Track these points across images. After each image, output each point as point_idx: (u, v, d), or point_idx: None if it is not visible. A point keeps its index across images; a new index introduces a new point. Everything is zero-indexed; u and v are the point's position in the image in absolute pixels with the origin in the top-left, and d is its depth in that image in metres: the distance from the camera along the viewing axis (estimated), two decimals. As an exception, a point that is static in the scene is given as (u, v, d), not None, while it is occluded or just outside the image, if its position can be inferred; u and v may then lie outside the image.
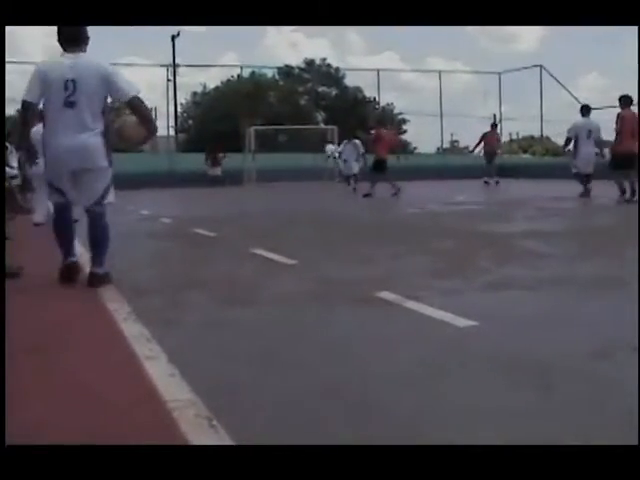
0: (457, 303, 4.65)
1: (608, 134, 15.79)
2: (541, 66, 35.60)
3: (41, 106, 5.92)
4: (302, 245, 8.47)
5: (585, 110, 15.98)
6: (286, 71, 53.02)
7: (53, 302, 5.29)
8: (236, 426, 2.57)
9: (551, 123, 40.21)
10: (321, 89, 54.25)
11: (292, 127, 38.79)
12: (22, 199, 12.55)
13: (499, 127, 28.16)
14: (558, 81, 35.32)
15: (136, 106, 5.84)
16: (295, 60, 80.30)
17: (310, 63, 54.43)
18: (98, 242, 5.91)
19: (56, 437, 2.54)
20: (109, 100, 5.90)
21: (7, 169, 11.29)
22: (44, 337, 4.11)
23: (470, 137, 76.53)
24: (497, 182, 23.88)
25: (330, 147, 30.86)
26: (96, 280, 5.71)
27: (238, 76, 47.17)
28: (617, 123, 14.28)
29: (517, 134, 52.12)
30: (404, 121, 54.13)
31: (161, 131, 43.99)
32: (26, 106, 5.81)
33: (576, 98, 34.00)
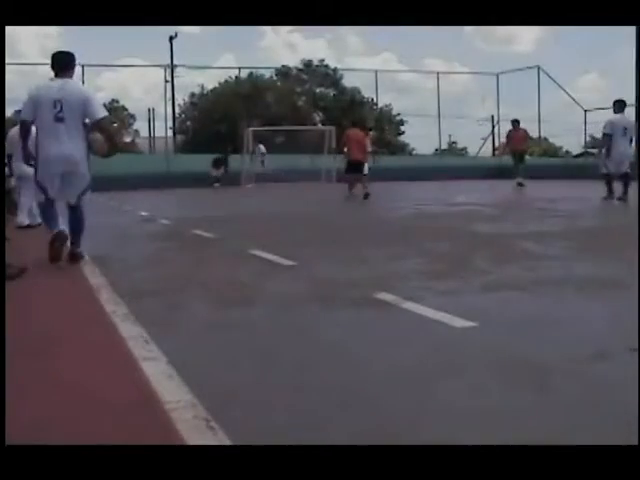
0: (455, 304, 4.65)
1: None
2: (538, 67, 35.62)
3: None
4: (300, 246, 8.47)
5: (619, 106, 14.94)
6: (284, 72, 52.98)
7: (52, 304, 5.29)
8: (234, 427, 2.56)
9: (549, 124, 40.29)
10: (319, 90, 54.19)
11: (290, 128, 38.77)
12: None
13: (497, 128, 26.84)
14: (556, 82, 35.34)
15: (103, 126, 7.30)
16: (293, 61, 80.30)
17: (308, 64, 54.38)
18: (77, 229, 7.35)
19: (53, 438, 2.53)
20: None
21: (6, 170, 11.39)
22: (42, 338, 4.11)
23: (468, 138, 76.65)
24: (519, 183, 21.75)
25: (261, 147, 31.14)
26: (75, 258, 7.21)
27: (236, 77, 47.13)
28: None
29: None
30: (402, 122, 54.13)
31: (159, 132, 44.12)
32: (24, 124, 7.26)
33: (574, 99, 34.08)
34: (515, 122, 23.61)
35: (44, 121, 7.03)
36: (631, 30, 24.57)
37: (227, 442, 2.44)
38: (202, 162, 29.29)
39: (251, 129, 32.69)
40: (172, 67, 41.94)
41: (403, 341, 3.84)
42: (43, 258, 7.37)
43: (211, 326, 4.33)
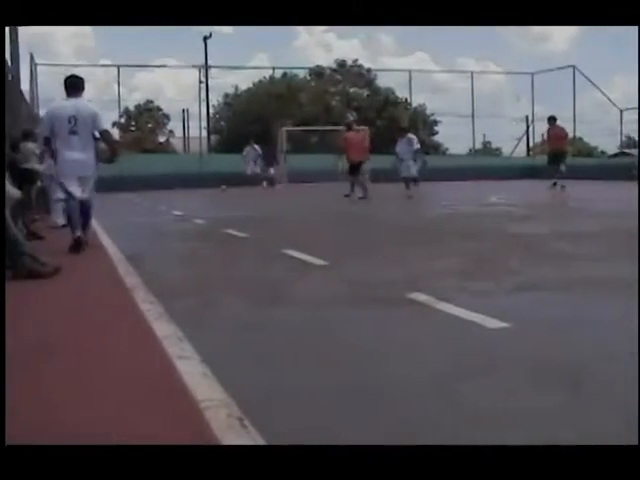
0: (488, 304, 4.63)
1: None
2: (574, 66, 35.35)
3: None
4: (333, 246, 8.48)
5: None
6: (318, 72, 52.99)
7: (86, 303, 5.34)
8: (268, 426, 2.57)
9: (584, 124, 39.81)
10: (352, 90, 54.13)
11: (323, 128, 38.77)
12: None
13: (531, 128, 25.20)
14: (591, 82, 35.05)
15: (105, 136, 8.93)
16: (326, 61, 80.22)
17: (342, 64, 54.33)
18: (87, 219, 8.86)
19: (87, 437, 2.56)
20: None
21: (36, 166, 11.53)
22: (75, 337, 4.15)
23: (502, 138, 76.14)
24: (554, 184, 20.24)
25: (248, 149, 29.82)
26: (83, 242, 8.49)
27: (270, 77, 47.24)
28: None
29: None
30: (436, 122, 53.95)
31: (193, 132, 44.36)
32: (45, 139, 9.00)
33: (609, 98, 33.80)
34: (551, 119, 21.71)
35: (61, 134, 8.53)
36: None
37: (260, 441, 2.45)
38: (236, 162, 29.34)
39: (284, 129, 32.78)
40: (206, 68, 42.13)
41: (436, 341, 3.84)
42: (77, 258, 7.45)
43: (244, 325, 4.35)
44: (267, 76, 49.19)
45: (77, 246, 8.22)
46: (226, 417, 2.68)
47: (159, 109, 60.18)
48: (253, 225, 11.62)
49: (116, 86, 36.74)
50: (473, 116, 37.64)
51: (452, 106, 75.72)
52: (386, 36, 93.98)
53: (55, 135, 8.59)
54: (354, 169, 18.20)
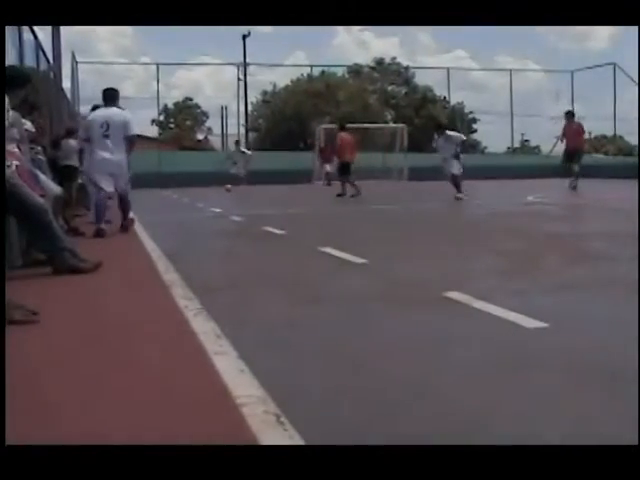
0: (527, 304, 4.60)
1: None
2: (615, 64, 34.97)
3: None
4: (372, 244, 8.48)
5: None
6: (356, 70, 53.00)
7: (125, 299, 5.39)
8: (305, 423, 2.58)
9: (624, 122, 39.37)
10: (390, 88, 54.08)
11: (361, 126, 38.78)
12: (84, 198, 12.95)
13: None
14: (632, 79, 34.62)
15: (131, 139, 10.48)
16: (364, 59, 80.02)
17: (380, 62, 54.30)
18: (126, 210, 10.69)
19: (120, 434, 2.59)
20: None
21: (75, 164, 11.80)
22: (115, 333, 4.19)
23: (541, 137, 75.38)
24: (574, 187, 19.54)
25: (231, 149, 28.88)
26: (124, 228, 10.53)
27: (308, 75, 47.31)
28: None
29: (589, 133, 51.21)
30: (474, 120, 53.70)
31: (231, 130, 44.61)
32: (82, 141, 11.13)
33: (651, 97, 33.32)
34: (569, 114, 20.67)
35: (95, 137, 10.30)
36: None
37: (297, 437, 2.46)
38: (274, 159, 29.41)
39: (322, 126, 32.80)
40: (245, 65, 42.28)
41: (473, 341, 3.82)
42: (118, 254, 7.52)
43: (282, 322, 4.37)
44: (305, 74, 49.30)
45: (98, 234, 9.87)
46: (263, 413, 2.70)
47: (198, 107, 60.65)
48: (291, 222, 11.64)
49: (155, 84, 37.16)
50: (512, 114, 37.51)
51: (490, 104, 75.59)
52: (424, 34, 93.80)
53: (90, 138, 10.45)
54: (345, 169, 18.47)
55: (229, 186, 23.67)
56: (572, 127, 20.04)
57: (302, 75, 50.58)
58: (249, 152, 28.40)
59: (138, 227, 10.86)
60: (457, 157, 17.25)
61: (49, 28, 20.74)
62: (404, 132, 32.54)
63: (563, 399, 2.86)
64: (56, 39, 20.64)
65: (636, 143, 49.55)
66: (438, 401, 2.88)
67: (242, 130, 39.77)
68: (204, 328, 4.12)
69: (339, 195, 18.48)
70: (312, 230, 10.67)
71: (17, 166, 6.30)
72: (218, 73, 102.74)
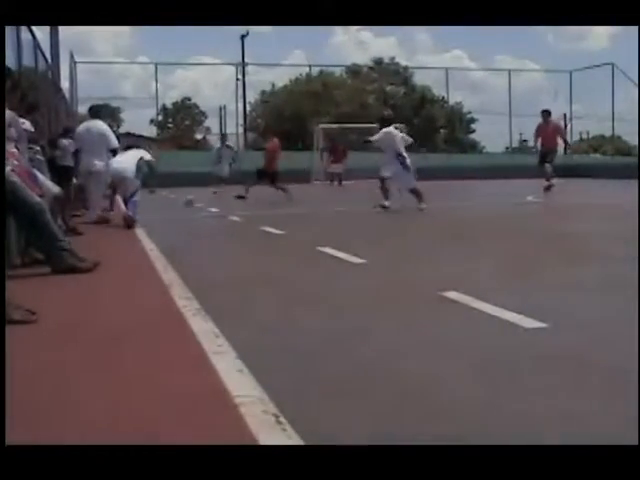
0: (525, 304, 4.60)
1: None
2: (613, 64, 34.97)
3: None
4: (370, 244, 8.48)
5: None
6: (354, 70, 52.99)
7: (124, 298, 5.39)
8: (303, 423, 2.58)
9: (622, 122, 39.34)
10: (389, 88, 54.06)
11: (360, 126, 38.71)
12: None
13: (569, 126, 23.47)
14: (631, 79, 34.62)
15: (114, 151, 12.17)
16: (362, 59, 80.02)
17: (378, 62, 54.30)
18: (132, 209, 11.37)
19: (117, 433, 2.59)
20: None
21: (70, 164, 12.01)
22: (113, 332, 4.18)
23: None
24: (548, 188, 18.01)
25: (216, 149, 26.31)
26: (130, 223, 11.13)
27: (306, 75, 47.30)
28: None
29: (587, 133, 51.28)
30: (473, 120, 53.67)
31: (230, 129, 44.61)
32: (76, 151, 12.42)
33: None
34: (545, 113, 19.15)
35: (82, 145, 12.09)
36: None
37: (296, 437, 2.46)
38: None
39: (321, 126, 32.81)
40: (243, 65, 42.31)
41: (472, 341, 3.82)
42: (116, 253, 7.52)
43: (281, 322, 4.37)
44: (303, 74, 49.30)
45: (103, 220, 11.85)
46: (261, 413, 2.70)
47: (196, 106, 60.58)
48: (289, 222, 11.63)
49: (154, 83, 37.08)
50: (510, 114, 37.48)
51: (489, 104, 75.56)
52: (422, 34, 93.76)
53: (81, 146, 12.21)
54: (263, 175, 18.62)
55: (214, 190, 22.08)
56: (548, 127, 18.98)
57: (300, 75, 50.62)
58: (233, 147, 27.48)
59: (137, 226, 10.85)
60: (403, 162, 13.90)
61: (47, 28, 20.75)
62: (403, 132, 32.55)
63: (561, 399, 2.86)
64: (54, 39, 20.65)
65: (634, 143, 49.59)
66: (436, 401, 2.88)
67: (240, 130, 39.74)
68: (203, 328, 4.12)
69: (240, 197, 18.14)
70: (311, 230, 10.66)
71: (16, 166, 6.30)
72: (216, 73, 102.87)
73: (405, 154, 14.00)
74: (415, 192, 13.78)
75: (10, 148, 6.40)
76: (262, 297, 5.18)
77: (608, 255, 6.96)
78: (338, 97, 50.87)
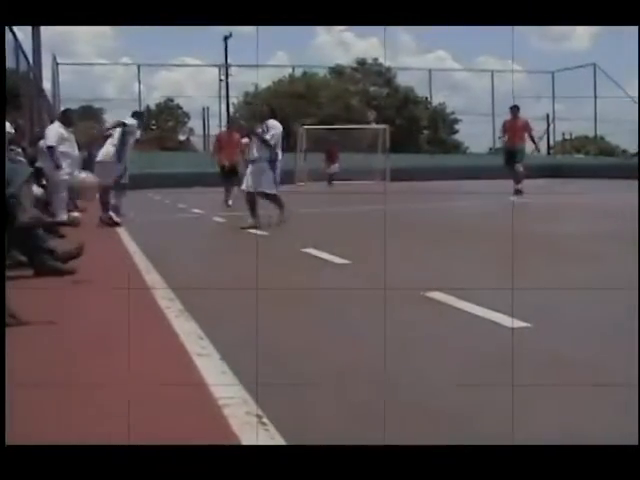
0: (509, 304, 4.61)
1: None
2: (595, 65, 35.17)
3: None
4: (354, 245, 8.48)
5: None
6: (337, 71, 52.97)
7: (106, 301, 5.36)
8: (286, 424, 2.57)
9: (605, 123, 39.63)
10: (372, 89, 54.05)
11: (344, 127, 38.75)
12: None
13: (552, 126, 23.50)
14: (613, 80, 34.84)
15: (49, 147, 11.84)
16: (345, 59, 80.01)
17: (362, 63, 54.27)
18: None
19: (102, 435, 2.57)
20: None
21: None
22: (96, 335, 4.16)
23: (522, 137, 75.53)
24: (518, 191, 16.86)
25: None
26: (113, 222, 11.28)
27: (290, 76, 47.28)
28: None
29: (570, 134, 51.41)
30: (456, 121, 53.73)
31: (214, 131, 44.54)
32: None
33: (631, 97, 33.56)
34: (514, 108, 17.82)
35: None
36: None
37: (279, 438, 2.45)
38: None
39: (305, 127, 32.79)
40: (226, 66, 42.26)
41: (456, 340, 3.83)
42: (98, 255, 7.48)
43: (265, 323, 4.35)
44: (287, 75, 49.29)
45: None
46: (245, 414, 2.69)
47: (179, 107, 60.35)
48: (272, 224, 11.61)
49: (137, 85, 36.98)
50: (493, 115, 37.60)
51: (472, 105, 75.56)
52: (405, 35, 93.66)
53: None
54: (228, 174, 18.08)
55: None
56: (517, 123, 17.58)
57: (284, 76, 50.60)
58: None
59: (119, 228, 10.80)
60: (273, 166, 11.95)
61: (29, 29, 20.66)
62: (386, 133, 32.52)
63: (545, 399, 2.86)
64: (36, 40, 20.55)
65: (617, 144, 49.86)
66: (421, 401, 2.88)
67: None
68: (186, 329, 4.10)
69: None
70: (294, 231, 10.64)
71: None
72: (200, 74, 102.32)
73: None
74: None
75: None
76: (245, 298, 5.16)
77: (594, 255, 6.98)
78: (322, 98, 50.84)
